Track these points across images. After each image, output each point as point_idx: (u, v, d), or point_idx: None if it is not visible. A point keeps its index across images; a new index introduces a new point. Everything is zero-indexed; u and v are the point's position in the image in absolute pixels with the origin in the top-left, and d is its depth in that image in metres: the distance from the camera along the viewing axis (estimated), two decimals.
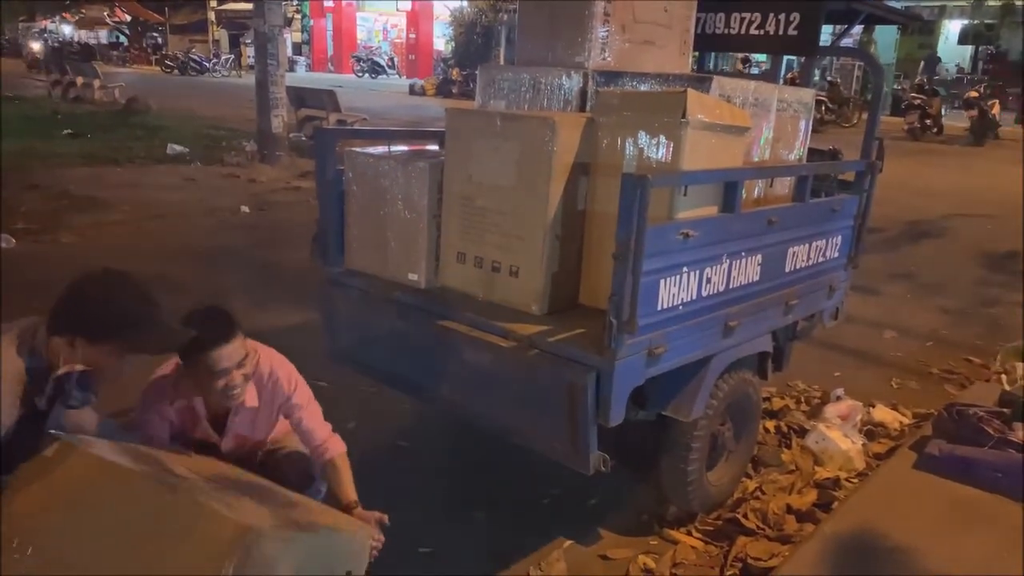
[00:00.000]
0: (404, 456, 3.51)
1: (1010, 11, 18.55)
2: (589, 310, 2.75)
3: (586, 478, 2.58)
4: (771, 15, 3.73)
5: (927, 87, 20.08)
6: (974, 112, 18.11)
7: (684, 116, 2.44)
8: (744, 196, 2.79)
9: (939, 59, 25.33)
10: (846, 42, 5.33)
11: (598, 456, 2.47)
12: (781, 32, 3.71)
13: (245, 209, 8.45)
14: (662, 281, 2.44)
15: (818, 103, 17.04)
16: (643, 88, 2.89)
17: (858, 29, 8.40)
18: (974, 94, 18.95)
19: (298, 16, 35.78)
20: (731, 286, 2.78)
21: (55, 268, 6.03)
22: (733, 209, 2.71)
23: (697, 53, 4.18)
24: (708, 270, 2.64)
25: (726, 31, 3.90)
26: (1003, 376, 4.37)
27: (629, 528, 3.08)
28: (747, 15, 3.82)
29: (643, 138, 2.57)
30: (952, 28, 25.64)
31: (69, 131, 12.83)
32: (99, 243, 6.86)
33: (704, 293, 2.64)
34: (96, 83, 18.90)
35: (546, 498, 3.25)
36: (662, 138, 2.52)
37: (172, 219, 7.90)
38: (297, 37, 35.49)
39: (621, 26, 3.14)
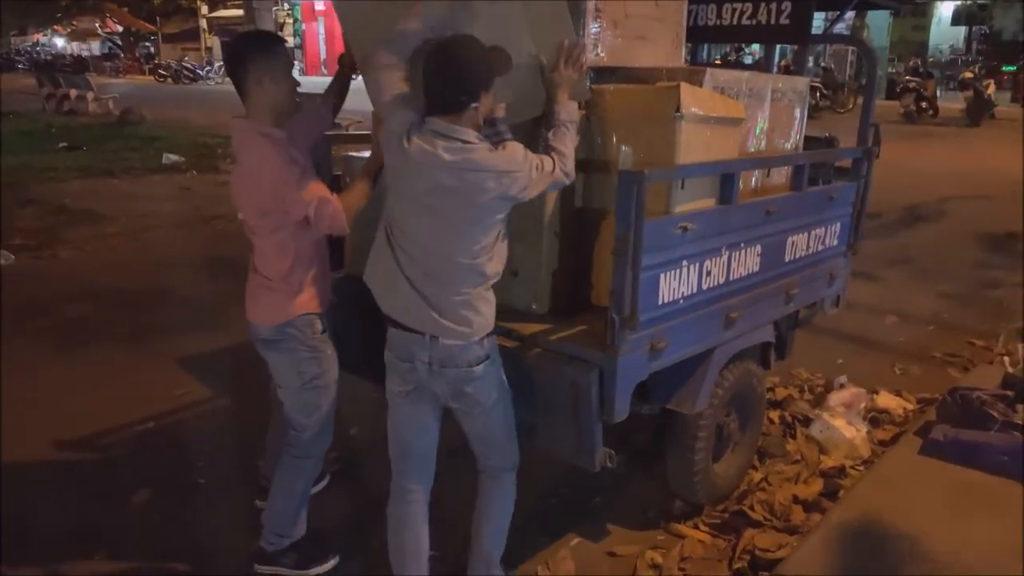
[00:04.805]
0: None
1: None
2: (596, 308, 2.74)
3: (592, 475, 2.58)
4: (762, 5, 3.73)
5: (921, 69, 20.05)
6: (970, 93, 18.08)
7: (678, 110, 2.44)
8: (741, 187, 2.78)
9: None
10: (839, 28, 5.33)
11: (603, 452, 2.47)
12: (773, 21, 3.70)
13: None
14: (662, 275, 2.44)
15: (812, 89, 17.02)
16: (637, 84, 2.88)
17: (850, 14, 8.39)
18: (969, 75, 18.93)
19: (290, 20, 35.78)
20: (731, 278, 2.77)
21: (54, 284, 6.05)
22: (731, 201, 2.70)
23: (690, 44, 4.18)
24: (708, 263, 2.63)
25: (718, 22, 3.89)
26: (1006, 358, 4.36)
27: (636, 524, 3.08)
28: (738, 5, 3.82)
29: (638, 133, 2.56)
30: (944, 10, 25.57)
31: (64, 144, 12.83)
32: (98, 256, 6.87)
33: (704, 286, 2.64)
34: (90, 95, 18.89)
35: (553, 496, 3.25)
36: (657, 133, 2.51)
37: (169, 229, 7.90)
38: (289, 41, 35.49)
39: (613, 22, 3.13)
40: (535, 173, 2.14)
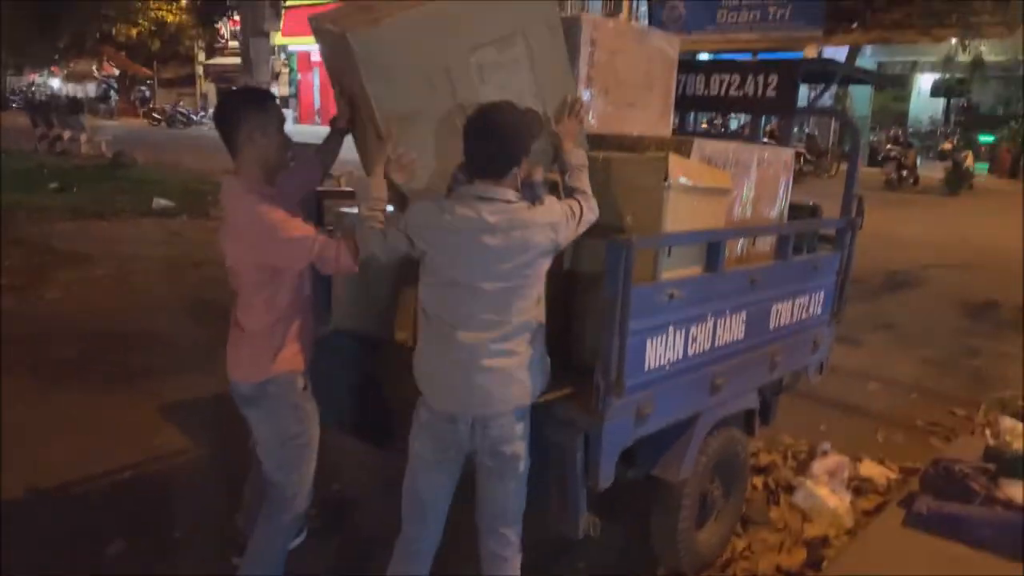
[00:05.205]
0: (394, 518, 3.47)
1: (979, 66, 19.13)
2: (582, 370, 2.75)
3: (574, 539, 2.55)
4: (750, 76, 3.83)
5: (902, 139, 20.56)
6: (949, 163, 18.53)
7: (666, 180, 2.50)
8: (727, 254, 2.83)
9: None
10: (823, 97, 5.48)
11: (588, 519, 2.45)
12: (760, 93, 3.80)
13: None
14: (648, 341, 2.47)
15: (797, 155, 17.34)
16: (627, 152, 2.94)
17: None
18: (948, 146, 19.39)
19: (286, 70, 36.26)
20: (716, 344, 2.80)
21: (38, 325, 5.99)
22: (717, 268, 2.75)
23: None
24: (694, 329, 2.67)
25: (706, 92, 3.99)
26: (987, 429, 4.39)
27: None
28: (726, 77, 3.92)
29: (627, 201, 2.61)
30: (924, 83, 26.32)
31: (55, 185, 12.83)
32: (84, 298, 6.82)
33: (690, 352, 2.66)
34: (83, 137, 18.97)
35: (534, 561, 3.20)
36: (646, 201, 2.56)
37: (157, 273, 7.87)
38: (285, 91, 35.87)
39: (604, 89, 3.22)
40: (572, 221, 2.27)
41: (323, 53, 2.78)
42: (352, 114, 2.62)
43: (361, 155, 2.79)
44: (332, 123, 2.74)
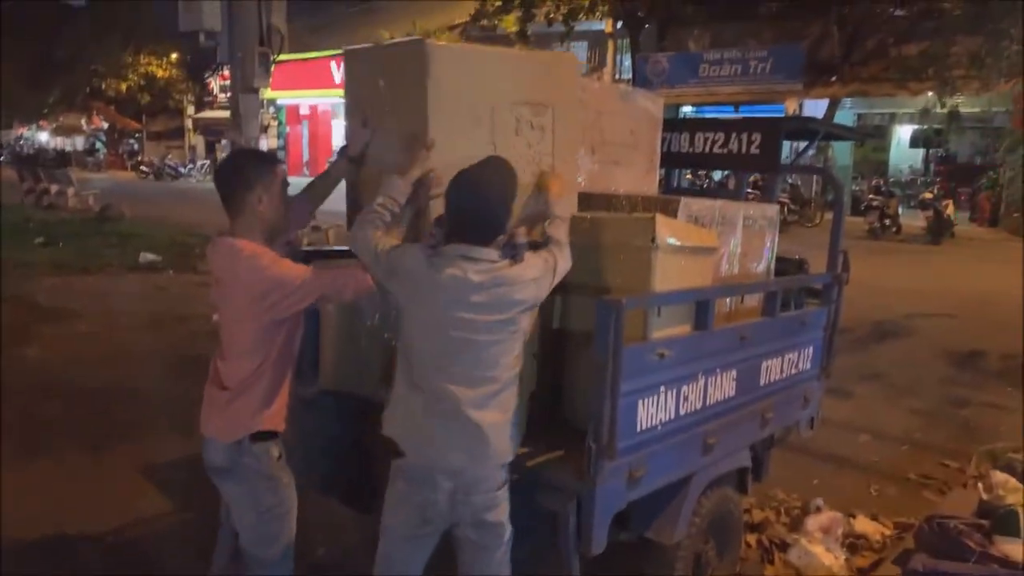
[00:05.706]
0: None
1: (955, 118, 19.59)
2: (573, 429, 2.72)
3: None
4: (733, 135, 3.88)
5: (884, 188, 20.89)
6: (930, 213, 18.82)
7: (654, 240, 2.51)
8: (716, 312, 2.84)
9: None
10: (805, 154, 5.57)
11: None
12: (743, 151, 3.85)
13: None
14: (640, 402, 2.45)
15: (781, 205, 17.54)
16: (614, 212, 2.97)
17: None
18: (928, 195, 19.72)
19: (275, 123, 36.61)
20: (708, 403, 2.79)
21: (18, 382, 5.90)
22: (706, 326, 2.75)
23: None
24: (685, 388, 2.66)
25: (691, 150, 4.04)
26: (980, 483, 4.36)
27: None
28: (710, 135, 3.98)
29: (615, 261, 2.63)
30: (903, 133, 26.86)
31: (41, 239, 12.79)
32: (68, 355, 6.75)
33: (682, 411, 2.65)
34: (70, 191, 18.98)
35: None
36: (634, 261, 2.57)
37: (142, 329, 7.82)
38: (273, 143, 36.15)
39: (590, 147, 3.26)
40: (549, 274, 2.28)
41: (350, 81, 2.81)
42: (363, 149, 2.64)
43: (350, 193, 2.79)
44: (342, 151, 2.73)
